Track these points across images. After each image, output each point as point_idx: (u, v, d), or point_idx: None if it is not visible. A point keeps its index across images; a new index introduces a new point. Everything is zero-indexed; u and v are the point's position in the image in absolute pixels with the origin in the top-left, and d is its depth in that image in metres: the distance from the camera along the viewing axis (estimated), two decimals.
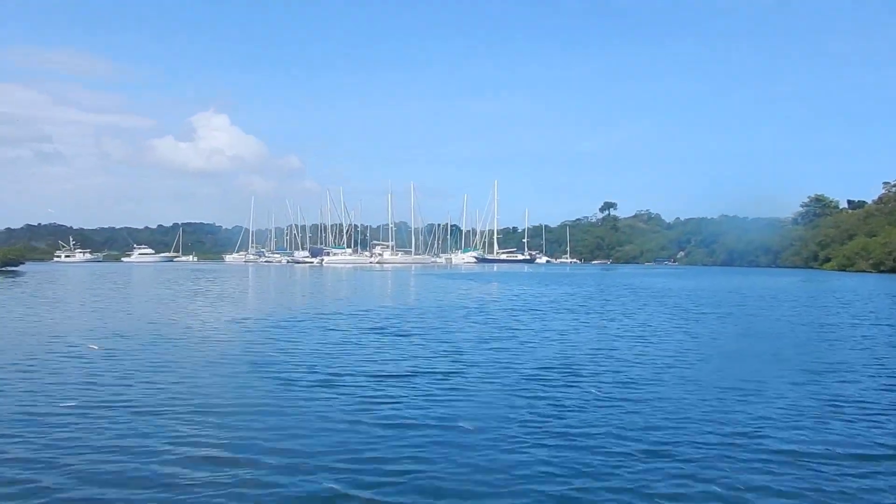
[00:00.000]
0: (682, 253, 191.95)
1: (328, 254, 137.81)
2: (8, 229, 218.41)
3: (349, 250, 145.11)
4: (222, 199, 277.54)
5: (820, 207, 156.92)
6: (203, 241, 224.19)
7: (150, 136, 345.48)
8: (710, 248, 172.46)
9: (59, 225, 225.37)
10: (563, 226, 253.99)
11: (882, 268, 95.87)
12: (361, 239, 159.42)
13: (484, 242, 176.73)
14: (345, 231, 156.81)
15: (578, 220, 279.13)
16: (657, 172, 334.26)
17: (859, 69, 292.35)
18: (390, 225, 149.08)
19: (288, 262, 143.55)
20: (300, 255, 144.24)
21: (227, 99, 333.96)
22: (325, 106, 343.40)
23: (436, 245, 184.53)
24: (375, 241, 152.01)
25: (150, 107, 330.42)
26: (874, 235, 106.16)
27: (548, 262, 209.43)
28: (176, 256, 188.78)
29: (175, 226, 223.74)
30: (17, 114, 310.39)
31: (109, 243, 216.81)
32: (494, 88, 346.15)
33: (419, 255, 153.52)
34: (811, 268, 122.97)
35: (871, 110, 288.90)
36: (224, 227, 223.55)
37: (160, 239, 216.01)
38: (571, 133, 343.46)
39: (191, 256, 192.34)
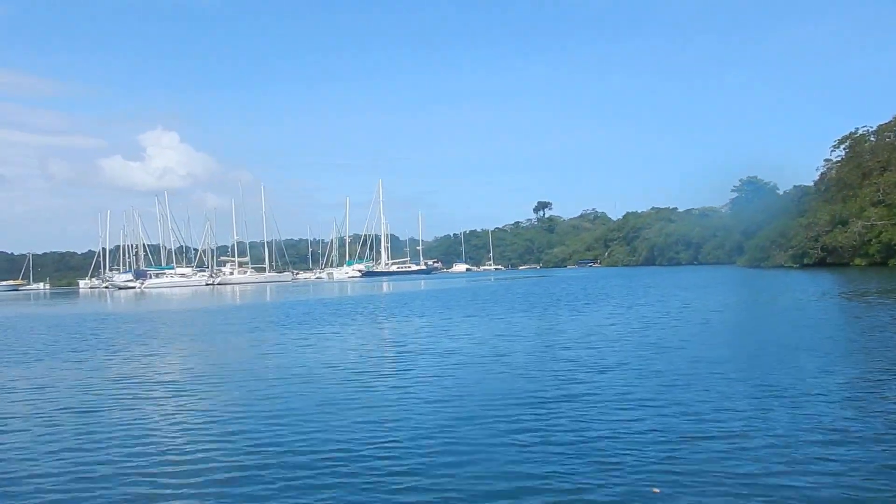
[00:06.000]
0: (607, 253, 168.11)
1: (150, 276, 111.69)
2: None
3: (188, 270, 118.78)
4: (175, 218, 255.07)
5: (752, 191, 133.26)
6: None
7: (98, 157, 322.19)
8: (631, 245, 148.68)
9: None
10: (494, 230, 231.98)
11: (806, 260, 71.74)
12: (220, 258, 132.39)
13: (374, 252, 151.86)
14: (192, 250, 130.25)
15: (518, 223, 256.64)
16: (606, 172, 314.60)
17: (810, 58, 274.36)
18: (234, 239, 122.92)
19: (107, 287, 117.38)
20: (122, 278, 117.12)
21: (175, 116, 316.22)
22: (274, 120, 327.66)
23: (323, 259, 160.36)
24: (224, 258, 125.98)
25: (97, 126, 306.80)
26: None
27: (468, 269, 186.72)
28: (23, 284, 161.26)
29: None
30: None
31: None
32: (440, 97, 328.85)
33: (277, 271, 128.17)
34: (733, 262, 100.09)
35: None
36: (166, 247, 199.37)
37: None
38: (518, 138, 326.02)
39: (42, 284, 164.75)
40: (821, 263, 70.70)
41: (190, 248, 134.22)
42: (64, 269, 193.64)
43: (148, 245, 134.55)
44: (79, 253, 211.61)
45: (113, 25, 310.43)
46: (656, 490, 6.46)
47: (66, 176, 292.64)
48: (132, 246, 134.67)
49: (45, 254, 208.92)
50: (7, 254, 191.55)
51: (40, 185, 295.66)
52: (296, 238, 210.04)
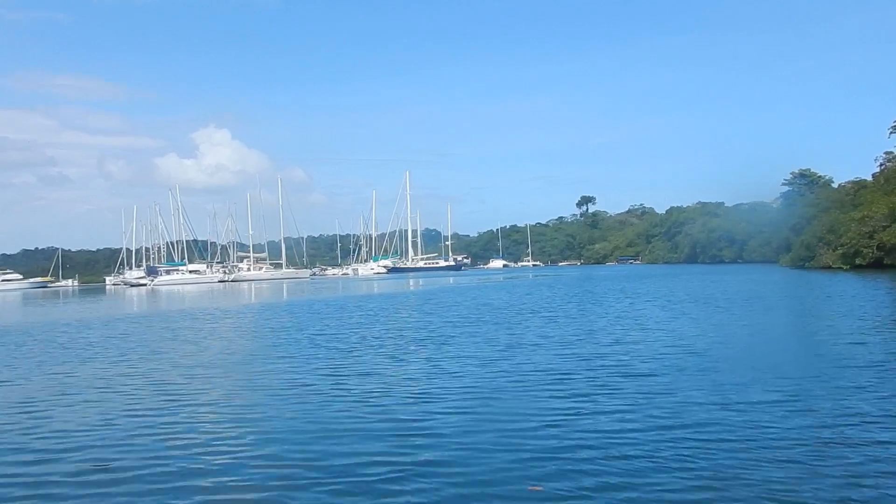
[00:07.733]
0: (648, 249, 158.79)
1: (161, 273, 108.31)
2: (3, 255, 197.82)
3: (202, 266, 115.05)
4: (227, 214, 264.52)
5: (805, 185, 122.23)
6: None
7: (154, 156, 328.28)
8: (672, 241, 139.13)
9: (56, 248, 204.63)
10: (535, 226, 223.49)
11: (859, 261, 62.33)
12: (238, 254, 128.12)
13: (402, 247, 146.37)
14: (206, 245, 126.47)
15: (561, 217, 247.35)
16: (654, 166, 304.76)
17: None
18: (250, 234, 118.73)
19: (123, 284, 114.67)
20: (132, 275, 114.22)
21: (227, 114, 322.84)
22: (324, 117, 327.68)
23: (353, 254, 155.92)
24: (243, 254, 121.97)
25: (153, 126, 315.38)
26: None
27: (505, 266, 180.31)
28: (52, 281, 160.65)
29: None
30: (22, 139, 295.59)
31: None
32: (492, 91, 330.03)
33: (295, 267, 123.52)
34: (779, 261, 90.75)
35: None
36: (220, 244, 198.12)
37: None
38: (575, 130, 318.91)
39: (71, 281, 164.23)
40: (876, 265, 61.41)
41: (216, 243, 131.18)
42: (115, 265, 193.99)
43: (170, 242, 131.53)
44: (131, 249, 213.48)
45: (162, 26, 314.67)
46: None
47: (124, 176, 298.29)
48: (159, 244, 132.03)
49: (97, 250, 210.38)
50: (64, 250, 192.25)
51: (101, 185, 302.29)
52: (341, 233, 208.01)
